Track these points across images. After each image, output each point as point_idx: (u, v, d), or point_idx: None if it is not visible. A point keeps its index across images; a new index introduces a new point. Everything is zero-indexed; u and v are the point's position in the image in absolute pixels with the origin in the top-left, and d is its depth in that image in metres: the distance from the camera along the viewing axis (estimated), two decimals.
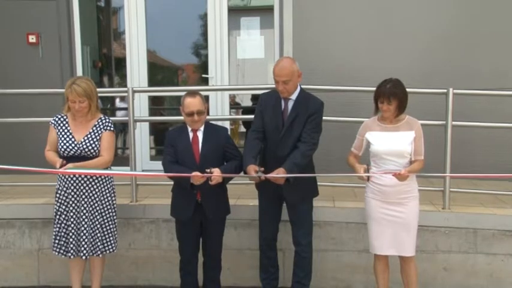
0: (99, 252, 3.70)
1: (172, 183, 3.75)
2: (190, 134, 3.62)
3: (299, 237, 3.77)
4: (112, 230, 3.75)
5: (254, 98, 7.55)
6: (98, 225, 3.68)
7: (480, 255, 4.17)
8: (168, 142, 3.66)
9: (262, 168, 3.46)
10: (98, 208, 3.67)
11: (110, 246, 3.75)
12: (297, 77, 3.59)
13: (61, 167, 3.45)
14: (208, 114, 3.89)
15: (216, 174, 3.40)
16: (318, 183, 3.83)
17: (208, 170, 3.40)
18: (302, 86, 3.72)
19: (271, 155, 3.65)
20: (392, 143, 3.45)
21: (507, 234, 4.11)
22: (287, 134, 3.60)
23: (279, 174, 3.44)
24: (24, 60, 5.84)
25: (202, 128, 3.62)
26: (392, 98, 3.38)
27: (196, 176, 3.39)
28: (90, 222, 3.66)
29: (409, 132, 3.47)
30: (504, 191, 4.56)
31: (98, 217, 3.67)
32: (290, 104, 3.64)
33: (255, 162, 3.55)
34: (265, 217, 3.85)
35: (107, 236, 3.72)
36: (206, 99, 5.99)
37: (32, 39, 5.81)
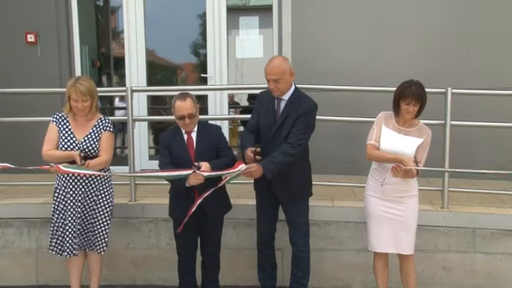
0: (96, 249, 3.72)
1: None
2: (185, 136, 3.60)
3: (295, 237, 3.77)
4: (106, 228, 3.73)
5: (250, 97, 7.55)
6: (98, 224, 3.68)
7: (479, 255, 4.17)
8: (162, 144, 3.64)
9: (259, 149, 3.46)
10: (95, 207, 3.67)
11: (102, 245, 3.74)
12: (288, 76, 3.54)
13: (81, 159, 3.45)
14: (207, 113, 3.86)
15: (205, 168, 3.36)
16: (317, 182, 3.82)
17: (196, 164, 3.38)
18: (301, 85, 3.71)
19: (265, 153, 3.62)
20: (398, 146, 3.43)
21: (506, 234, 4.12)
22: (277, 133, 3.59)
23: (252, 167, 3.40)
24: (22, 60, 5.82)
25: (195, 129, 3.61)
26: (419, 99, 3.35)
27: (195, 175, 3.37)
28: (87, 221, 3.66)
29: (417, 139, 3.45)
30: (503, 191, 4.57)
31: (98, 216, 3.68)
32: (282, 104, 3.61)
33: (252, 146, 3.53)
34: (261, 216, 3.86)
35: (100, 234, 3.71)
36: (205, 98, 6.00)
37: (31, 38, 5.79)
